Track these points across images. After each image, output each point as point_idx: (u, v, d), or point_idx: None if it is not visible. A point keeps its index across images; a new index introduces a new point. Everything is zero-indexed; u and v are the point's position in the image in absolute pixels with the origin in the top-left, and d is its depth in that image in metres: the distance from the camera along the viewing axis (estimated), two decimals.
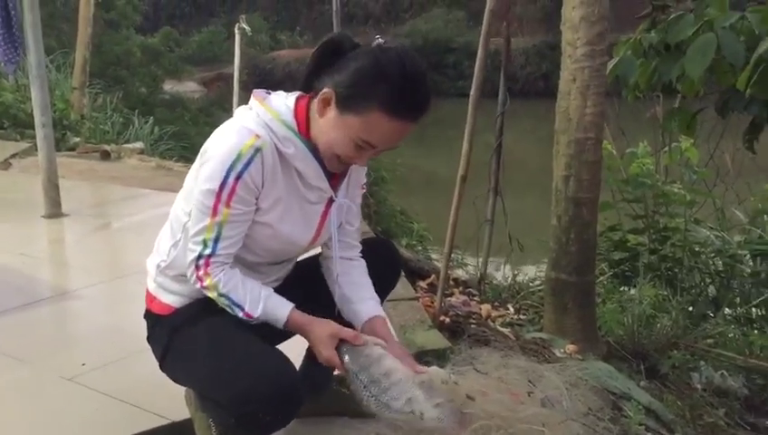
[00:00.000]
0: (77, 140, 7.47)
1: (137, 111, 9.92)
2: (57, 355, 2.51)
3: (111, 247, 4.16)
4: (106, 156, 6.79)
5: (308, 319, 1.64)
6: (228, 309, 1.61)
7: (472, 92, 2.84)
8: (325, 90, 1.53)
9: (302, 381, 1.58)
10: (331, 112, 1.53)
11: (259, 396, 1.46)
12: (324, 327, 1.63)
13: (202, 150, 1.60)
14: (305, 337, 1.65)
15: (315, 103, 1.56)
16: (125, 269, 3.47)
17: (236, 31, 6.06)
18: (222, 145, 1.54)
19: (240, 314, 1.60)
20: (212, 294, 1.61)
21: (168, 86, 17.24)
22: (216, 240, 1.57)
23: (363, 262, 1.86)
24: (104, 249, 4.09)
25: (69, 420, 2.05)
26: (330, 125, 1.54)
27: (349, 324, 1.73)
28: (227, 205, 1.54)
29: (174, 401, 1.92)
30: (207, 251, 1.58)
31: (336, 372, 1.92)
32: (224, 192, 1.53)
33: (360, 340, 1.61)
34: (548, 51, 27.52)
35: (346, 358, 1.59)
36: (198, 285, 1.61)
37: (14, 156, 6.63)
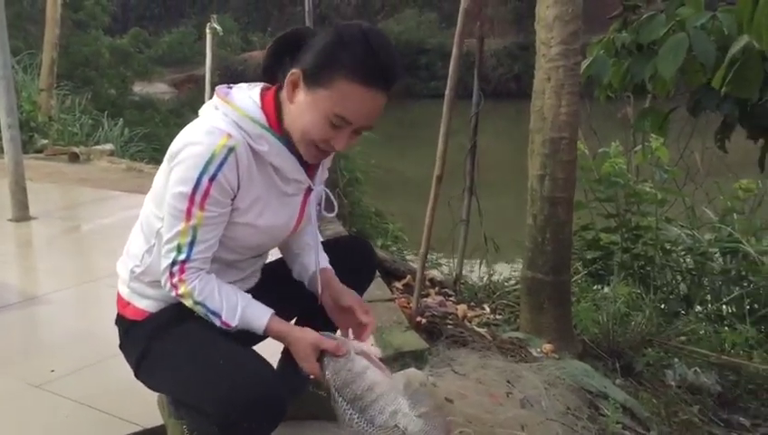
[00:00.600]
0: (45, 142, 7.34)
1: (106, 112, 9.77)
2: (25, 362, 2.45)
3: (81, 251, 4.08)
4: (75, 158, 6.68)
5: (288, 327, 1.61)
6: (205, 317, 1.57)
7: (447, 92, 2.83)
8: (292, 71, 1.50)
9: (285, 390, 1.53)
10: (301, 94, 1.49)
11: (243, 403, 1.42)
12: (305, 337, 1.59)
13: (170, 152, 1.54)
14: (285, 344, 1.62)
15: (284, 90, 1.53)
16: (95, 273, 3.40)
17: (208, 31, 5.99)
18: (193, 147, 1.49)
19: (217, 323, 1.56)
20: (187, 302, 1.57)
21: (138, 88, 17.03)
22: (191, 244, 1.53)
23: (316, 231, 1.83)
24: (73, 253, 4.01)
25: (38, 428, 2.00)
26: (301, 109, 1.50)
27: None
28: (201, 208, 1.50)
29: (146, 407, 1.88)
30: (182, 256, 1.53)
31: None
32: (197, 195, 1.49)
33: (341, 350, 1.58)
34: (519, 52, 27.77)
35: (328, 373, 1.56)
36: (173, 293, 1.56)
37: None
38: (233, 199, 1.55)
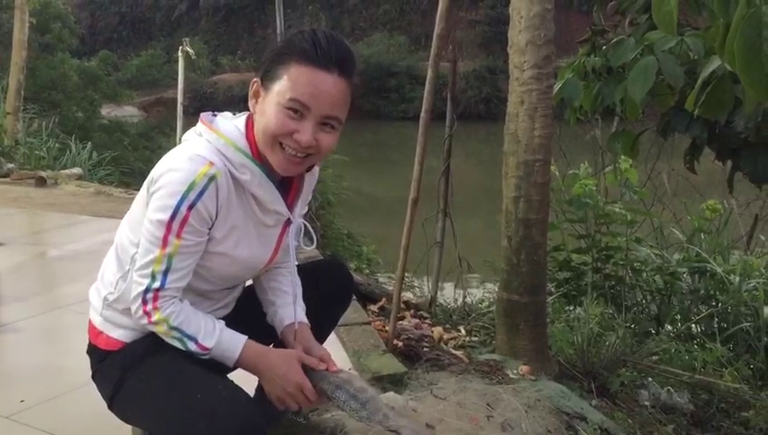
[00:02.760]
0: (11, 166, 7.22)
1: (74, 136, 9.66)
2: None
3: (49, 277, 3.99)
4: (42, 182, 6.57)
5: (267, 348, 1.60)
6: (178, 343, 1.53)
7: (422, 114, 2.84)
8: (254, 80, 1.53)
9: (265, 421, 1.49)
10: (261, 97, 1.51)
11: None
12: (289, 353, 1.58)
13: (150, 178, 1.52)
14: (262, 368, 1.57)
15: (249, 99, 1.55)
16: (64, 300, 3.33)
17: (180, 54, 5.97)
18: (173, 173, 1.47)
19: (192, 347, 1.53)
20: (160, 329, 1.53)
21: (107, 111, 16.85)
22: (166, 272, 1.50)
23: (294, 272, 1.81)
24: (41, 279, 3.92)
25: None
26: (263, 110, 1.50)
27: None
28: (178, 236, 1.47)
29: None
30: (156, 284, 1.50)
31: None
32: (174, 223, 1.47)
33: (322, 365, 1.58)
34: (488, 75, 28.16)
35: (319, 381, 1.56)
36: (145, 321, 1.52)
37: None
38: (210, 228, 1.53)
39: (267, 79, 1.49)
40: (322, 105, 1.47)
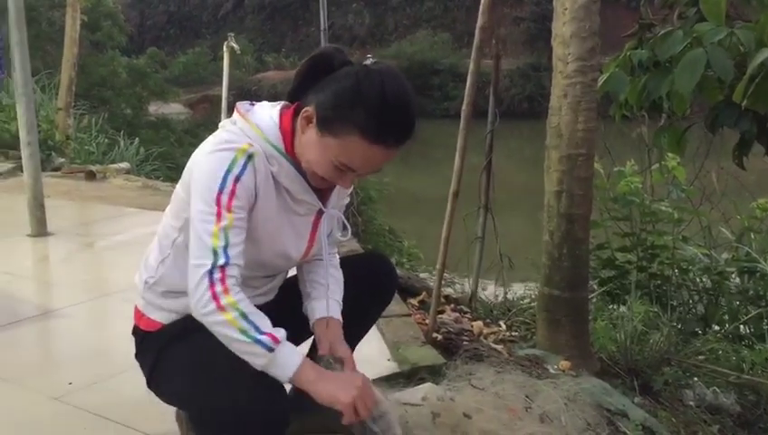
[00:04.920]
0: (62, 160, 7.41)
1: (122, 131, 9.88)
2: (43, 375, 2.46)
3: (97, 266, 4.10)
4: (91, 176, 6.73)
5: (319, 373, 1.51)
6: (242, 335, 1.42)
7: (464, 107, 2.84)
8: (307, 108, 1.50)
9: (288, 402, 1.50)
10: (312, 131, 1.50)
11: (243, 418, 1.41)
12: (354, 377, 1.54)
13: (190, 163, 1.55)
14: (321, 383, 1.48)
15: (299, 120, 1.53)
16: (111, 287, 3.42)
17: (225, 49, 6.05)
18: (214, 154, 1.50)
19: (258, 336, 1.42)
20: (228, 316, 1.42)
21: (154, 108, 17.19)
22: (226, 248, 1.45)
23: (337, 266, 1.83)
24: (89, 268, 4.03)
25: None
26: (310, 144, 1.51)
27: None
28: (229, 209, 1.46)
29: (163, 419, 1.88)
30: (221, 260, 1.43)
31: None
32: (224, 196, 1.46)
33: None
34: (532, 72, 27.88)
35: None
36: (213, 306, 1.42)
37: None
38: (251, 208, 1.54)
39: (323, 125, 1.47)
40: (370, 170, 1.52)
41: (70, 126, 8.52)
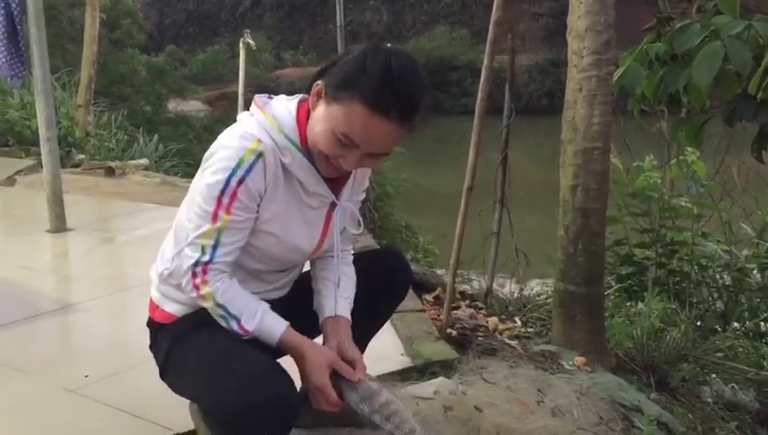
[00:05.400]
0: (82, 157, 7.48)
1: (141, 128, 9.94)
2: (61, 367, 2.48)
3: (115, 261, 4.14)
4: (110, 173, 6.79)
5: (303, 340, 1.60)
6: (222, 320, 1.57)
7: (478, 102, 2.83)
8: (317, 82, 1.52)
9: (297, 396, 1.52)
10: (321, 106, 1.51)
11: (249, 411, 1.43)
12: (321, 353, 1.60)
13: (205, 156, 1.58)
14: (297, 358, 1.60)
15: (310, 97, 1.55)
16: (129, 282, 3.45)
17: (241, 45, 6.07)
18: (224, 150, 1.52)
19: (234, 327, 1.56)
20: (207, 304, 1.57)
21: (173, 105, 17.31)
22: (215, 247, 1.54)
23: (350, 263, 1.83)
24: (108, 263, 4.07)
25: (72, 431, 2.03)
26: (318, 119, 1.51)
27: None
28: (228, 211, 1.51)
29: (178, 411, 1.89)
30: (205, 258, 1.54)
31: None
32: (224, 197, 1.50)
33: (355, 377, 1.59)
34: (551, 68, 27.69)
35: (346, 390, 1.58)
36: (194, 294, 1.57)
37: (18, 172, 6.63)
38: (258, 205, 1.56)
39: (330, 95, 1.49)
40: (372, 146, 1.49)
41: (90, 123, 8.59)
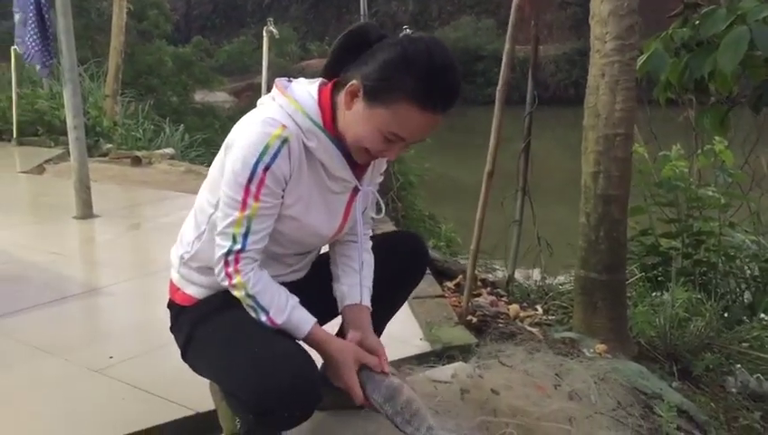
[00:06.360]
0: (109, 146, 7.59)
1: (168, 118, 10.05)
2: (86, 348, 2.53)
3: (141, 247, 4.20)
4: (137, 162, 6.88)
5: (330, 337, 1.63)
6: (251, 311, 1.59)
7: (499, 87, 2.81)
8: (353, 82, 1.50)
9: (319, 378, 1.54)
10: (359, 105, 1.50)
11: (273, 391, 1.44)
12: (348, 349, 1.61)
13: (227, 142, 1.58)
14: (324, 356, 1.62)
15: (342, 96, 1.54)
16: (154, 267, 3.50)
17: (264, 34, 6.09)
18: (248, 137, 1.52)
19: (263, 319, 1.58)
20: (238, 293, 1.58)
21: (199, 96, 17.44)
22: (246, 235, 1.55)
23: (368, 249, 1.84)
24: (134, 248, 4.14)
25: (96, 409, 2.07)
26: (357, 118, 1.51)
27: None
28: (256, 198, 1.52)
29: (199, 392, 1.92)
30: (237, 246, 1.55)
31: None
32: (252, 185, 1.51)
33: (380, 368, 1.61)
34: (578, 57, 27.36)
35: (369, 387, 1.60)
36: (226, 283, 1.58)
37: (48, 161, 6.77)
38: (284, 190, 1.56)
39: (371, 96, 1.49)
40: (418, 137, 1.53)
41: (117, 113, 8.72)
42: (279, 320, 1.57)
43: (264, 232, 1.57)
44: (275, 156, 1.50)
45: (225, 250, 1.55)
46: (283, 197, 1.57)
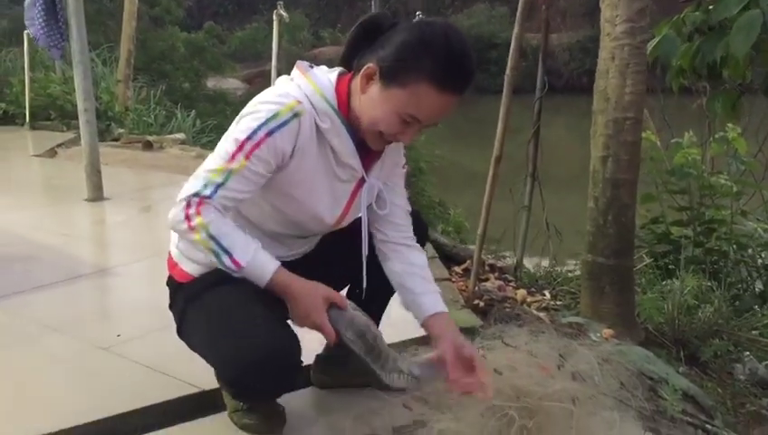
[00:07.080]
0: (121, 131, 7.62)
1: (179, 104, 10.05)
2: (94, 326, 2.55)
3: (150, 228, 4.23)
4: (148, 146, 6.90)
5: (295, 278, 1.56)
6: (213, 255, 1.51)
7: (507, 72, 2.81)
8: (369, 65, 1.51)
9: (300, 351, 1.54)
10: (375, 88, 1.51)
11: (248, 368, 1.47)
12: (316, 289, 1.56)
13: (240, 114, 1.58)
14: (290, 298, 1.56)
15: (357, 80, 1.54)
16: (162, 248, 3.45)
17: (275, 17, 6.09)
18: (262, 105, 1.53)
19: (226, 261, 1.51)
20: (198, 236, 1.50)
21: (212, 83, 17.44)
22: (219, 186, 1.50)
23: (419, 247, 1.85)
24: (143, 230, 4.16)
25: (103, 386, 2.09)
26: (373, 101, 1.52)
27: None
28: (247, 157, 1.49)
29: (204, 370, 1.91)
30: (206, 192, 1.49)
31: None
32: (248, 143, 1.49)
33: (346, 303, 1.60)
34: (591, 45, 27.08)
35: (340, 326, 1.58)
36: (184, 226, 1.50)
37: (60, 145, 6.81)
38: (278, 169, 1.55)
39: (388, 77, 1.49)
40: (435, 119, 1.53)
41: (129, 98, 8.73)
42: (243, 261, 1.50)
43: (237, 194, 1.52)
44: (282, 125, 1.50)
45: (192, 192, 1.50)
46: (283, 172, 1.56)
